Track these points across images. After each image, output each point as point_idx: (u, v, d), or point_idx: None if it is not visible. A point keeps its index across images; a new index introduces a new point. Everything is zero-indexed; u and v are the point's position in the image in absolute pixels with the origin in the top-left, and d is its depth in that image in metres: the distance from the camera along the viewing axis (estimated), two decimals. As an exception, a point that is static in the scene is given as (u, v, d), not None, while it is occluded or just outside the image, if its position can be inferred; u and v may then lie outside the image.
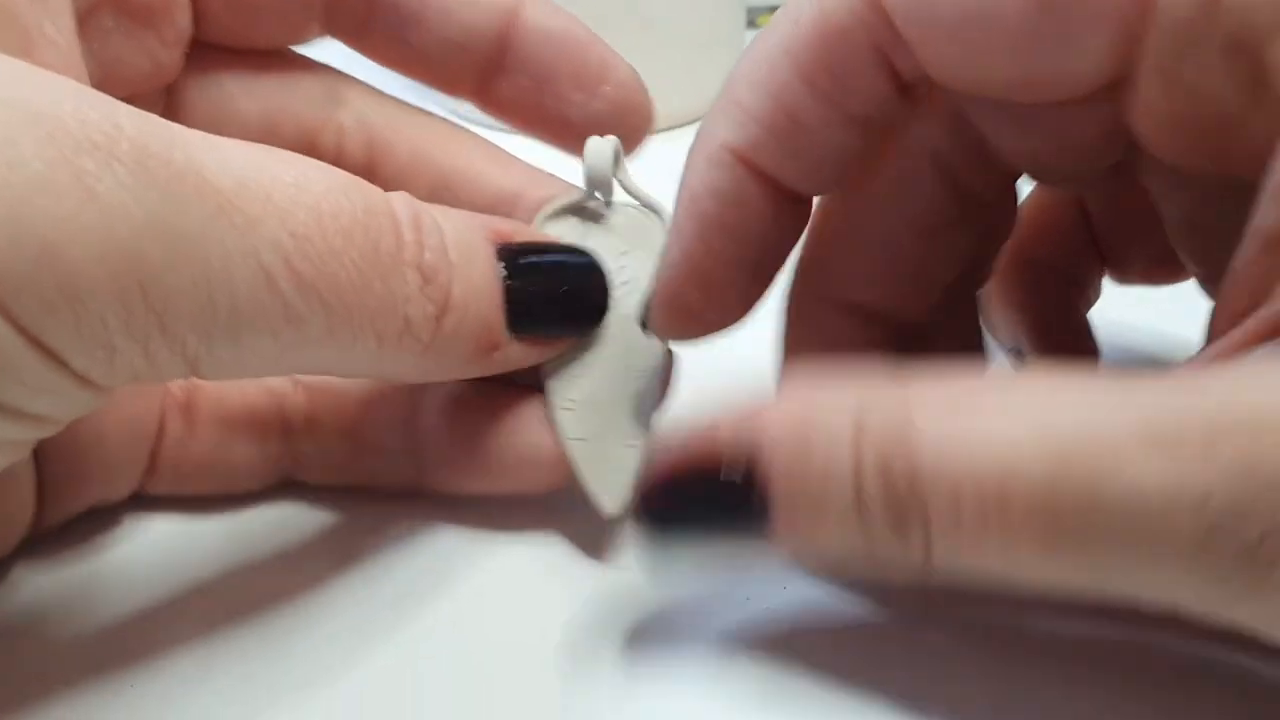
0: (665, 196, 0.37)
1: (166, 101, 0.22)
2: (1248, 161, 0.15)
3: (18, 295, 0.14)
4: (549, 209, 0.22)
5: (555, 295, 0.20)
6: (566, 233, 0.22)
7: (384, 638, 0.20)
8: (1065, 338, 0.25)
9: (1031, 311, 0.25)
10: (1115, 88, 0.17)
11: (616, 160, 0.22)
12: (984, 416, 0.15)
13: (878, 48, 0.18)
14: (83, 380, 0.15)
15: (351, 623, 0.21)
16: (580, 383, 0.22)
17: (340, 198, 0.17)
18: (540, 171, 0.24)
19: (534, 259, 0.20)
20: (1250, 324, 0.15)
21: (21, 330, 0.14)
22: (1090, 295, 0.26)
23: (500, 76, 0.23)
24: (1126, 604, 0.15)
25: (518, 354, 0.20)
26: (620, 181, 0.22)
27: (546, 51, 0.23)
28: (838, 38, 0.17)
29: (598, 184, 0.22)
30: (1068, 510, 0.14)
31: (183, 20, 0.21)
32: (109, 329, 0.15)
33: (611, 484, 0.21)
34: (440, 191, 0.23)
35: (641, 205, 0.22)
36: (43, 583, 0.21)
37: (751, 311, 0.20)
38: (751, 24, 0.51)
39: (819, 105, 0.18)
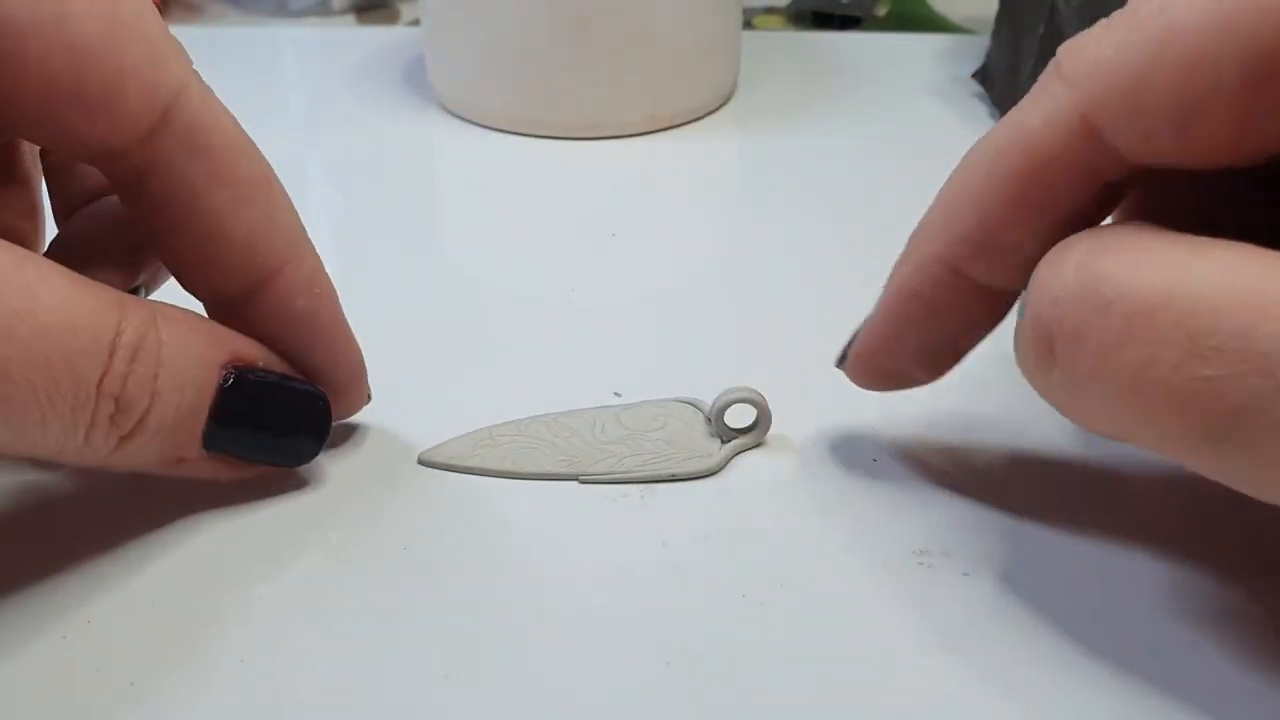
0: (666, 192, 0.37)
1: None
2: None
3: None
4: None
5: (263, 428, 0.22)
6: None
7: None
8: None
9: None
10: None
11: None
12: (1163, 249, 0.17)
13: (1087, 164, 0.19)
14: None
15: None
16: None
17: (64, 335, 0.18)
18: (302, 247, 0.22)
19: (259, 390, 0.21)
20: None
21: None
22: None
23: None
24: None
25: (209, 468, 0.21)
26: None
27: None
28: (1049, 163, 0.19)
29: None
30: (1216, 341, 0.15)
31: None
32: None
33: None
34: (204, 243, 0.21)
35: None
36: None
37: (935, 379, 0.23)
38: (748, 24, 0.51)
39: (1026, 221, 0.19)
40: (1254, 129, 0.17)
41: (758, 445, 0.25)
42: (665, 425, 0.25)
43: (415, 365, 0.27)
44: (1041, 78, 0.19)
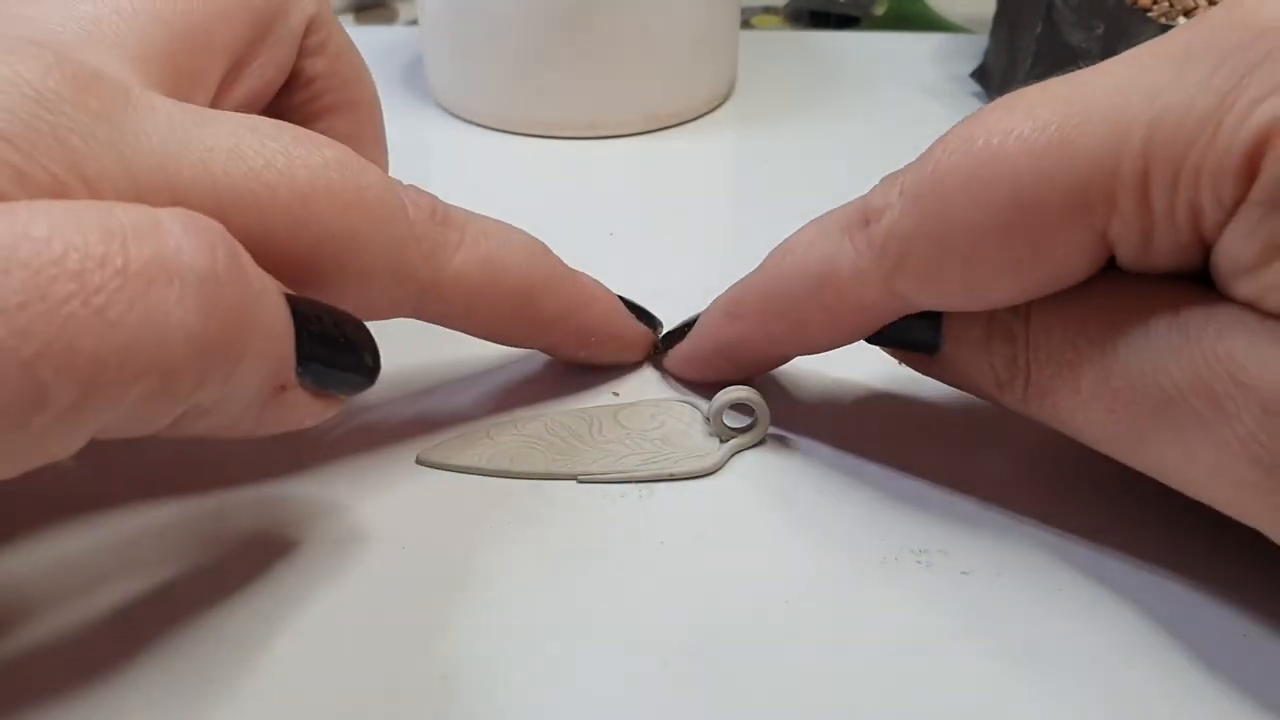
0: (664, 192, 0.37)
1: None
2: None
3: None
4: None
5: (337, 344, 0.20)
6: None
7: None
8: None
9: None
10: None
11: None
12: None
13: (900, 308, 0.22)
14: None
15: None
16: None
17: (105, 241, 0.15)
18: None
19: (313, 310, 0.19)
20: None
21: None
22: None
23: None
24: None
25: (304, 403, 0.19)
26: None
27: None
28: (866, 310, 0.22)
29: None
30: None
31: None
32: None
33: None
34: None
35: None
36: None
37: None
38: (746, 24, 0.51)
39: (839, 336, 0.23)
40: (1036, 274, 0.19)
41: (756, 444, 0.25)
42: (663, 424, 0.25)
43: (413, 365, 0.27)
44: (850, 220, 0.21)
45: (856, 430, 0.25)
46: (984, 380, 0.22)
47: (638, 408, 0.26)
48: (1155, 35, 0.35)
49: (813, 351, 0.24)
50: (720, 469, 0.24)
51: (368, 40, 0.50)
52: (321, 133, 0.22)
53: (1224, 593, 0.21)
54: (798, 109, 0.42)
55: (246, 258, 0.17)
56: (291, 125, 0.20)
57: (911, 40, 0.48)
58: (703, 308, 0.26)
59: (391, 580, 0.21)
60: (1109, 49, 0.36)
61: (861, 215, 0.21)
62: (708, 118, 0.42)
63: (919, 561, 0.22)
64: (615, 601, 0.21)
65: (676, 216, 0.36)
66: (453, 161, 0.40)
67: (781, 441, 0.25)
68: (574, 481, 0.24)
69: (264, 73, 0.25)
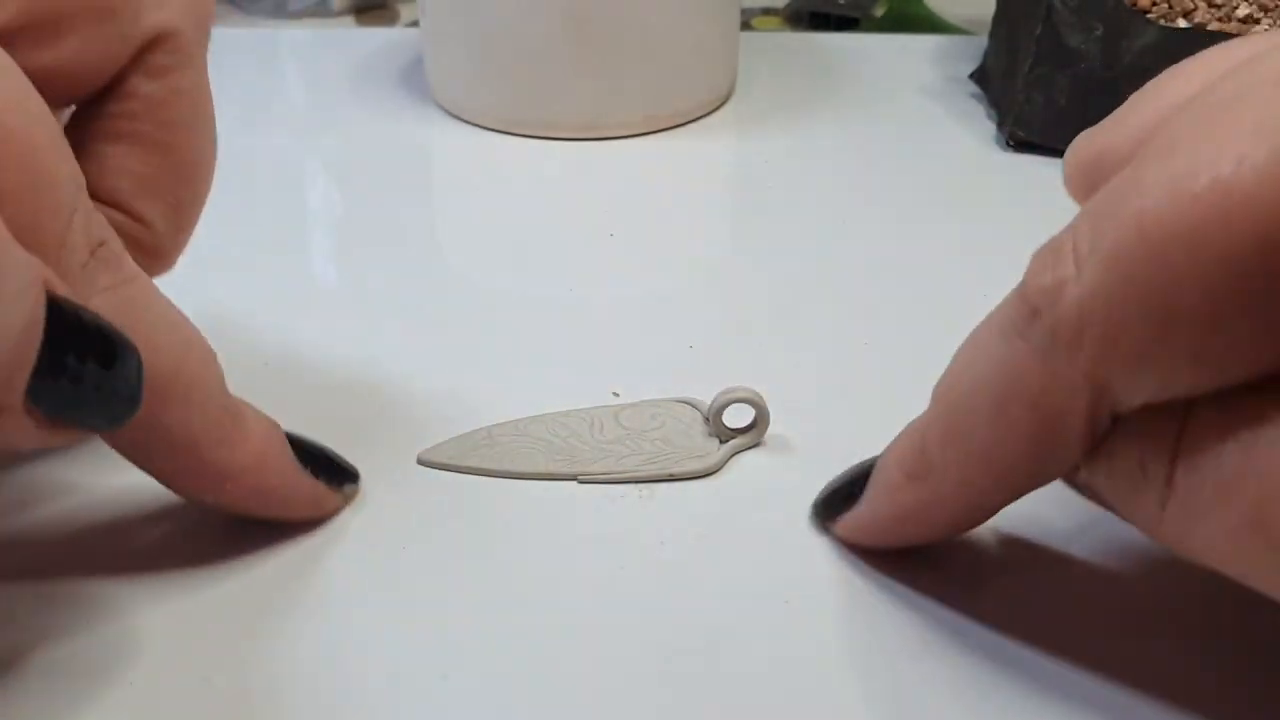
0: (664, 193, 0.37)
1: None
2: None
3: None
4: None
5: (93, 381, 0.17)
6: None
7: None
8: None
9: None
10: None
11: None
12: None
13: (1101, 409, 0.17)
14: None
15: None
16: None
17: None
18: None
19: (82, 332, 0.17)
20: None
21: None
22: None
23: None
24: None
25: (27, 430, 0.17)
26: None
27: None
28: (1058, 418, 0.17)
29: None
30: None
31: None
32: None
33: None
34: None
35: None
36: None
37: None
38: (746, 25, 0.51)
39: (1042, 464, 0.18)
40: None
41: (756, 445, 0.25)
42: (663, 425, 0.25)
43: (414, 365, 0.27)
44: (1012, 319, 0.17)
45: (857, 430, 0.25)
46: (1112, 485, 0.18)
47: (638, 408, 0.26)
48: (1155, 37, 0.35)
49: (1025, 491, 0.19)
50: (720, 469, 0.24)
51: (368, 41, 0.50)
52: (114, 158, 0.21)
53: (1227, 592, 0.21)
54: (798, 110, 0.42)
55: (12, 255, 0.15)
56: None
57: (911, 41, 0.48)
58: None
59: (391, 580, 0.21)
60: (1108, 50, 0.36)
61: (1025, 307, 0.17)
62: (708, 119, 0.42)
63: (918, 561, 0.22)
64: (615, 601, 0.21)
65: (676, 217, 0.36)
66: (453, 163, 0.40)
67: (781, 441, 0.25)
68: (574, 481, 0.24)
69: (83, 52, 0.20)
